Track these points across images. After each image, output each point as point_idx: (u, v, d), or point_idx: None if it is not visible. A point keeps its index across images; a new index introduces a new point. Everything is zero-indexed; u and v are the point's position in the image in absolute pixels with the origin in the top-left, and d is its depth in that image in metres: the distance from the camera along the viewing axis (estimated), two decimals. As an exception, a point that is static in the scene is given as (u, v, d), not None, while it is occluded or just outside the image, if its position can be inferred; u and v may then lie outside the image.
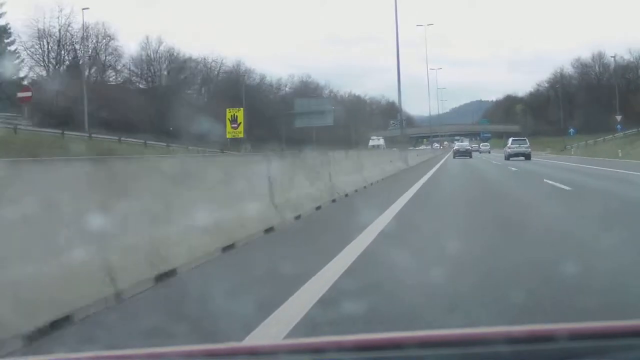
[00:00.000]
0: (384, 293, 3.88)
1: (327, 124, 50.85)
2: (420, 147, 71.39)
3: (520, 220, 7.89)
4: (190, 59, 74.36)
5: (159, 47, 71.18)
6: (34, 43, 62.12)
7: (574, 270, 4.35)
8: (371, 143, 68.03)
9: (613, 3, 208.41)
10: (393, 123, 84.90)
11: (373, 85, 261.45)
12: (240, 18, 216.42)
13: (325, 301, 3.59)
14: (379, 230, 6.57)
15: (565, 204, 10.12)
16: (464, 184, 15.83)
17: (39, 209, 3.30)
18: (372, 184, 14.25)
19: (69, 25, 63.51)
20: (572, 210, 9.09)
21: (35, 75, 62.11)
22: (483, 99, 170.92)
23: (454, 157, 44.51)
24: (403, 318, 3.37)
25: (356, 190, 12.07)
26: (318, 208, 8.70)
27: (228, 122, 39.59)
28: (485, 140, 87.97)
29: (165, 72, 71.70)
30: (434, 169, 23.85)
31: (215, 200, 5.52)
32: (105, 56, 67.72)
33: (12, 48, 58.55)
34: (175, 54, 72.19)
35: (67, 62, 65.06)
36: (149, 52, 71.08)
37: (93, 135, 45.49)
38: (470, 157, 45.08)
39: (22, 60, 60.32)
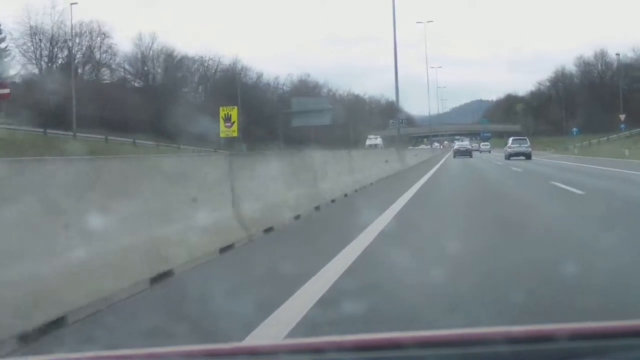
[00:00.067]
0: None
1: (325, 123, 49.73)
2: (420, 147, 70.13)
3: (530, 236, 6.69)
4: (186, 57, 73.24)
5: (152, 44, 69.97)
6: (25, 40, 61.00)
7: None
8: (368, 142, 66.65)
9: (613, 3, 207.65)
10: (392, 122, 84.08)
11: (373, 85, 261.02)
12: (240, 18, 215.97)
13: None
14: (363, 248, 5.40)
15: (578, 210, 8.88)
16: (464, 184, 14.91)
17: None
18: (364, 186, 13.09)
19: (61, 23, 62.27)
20: (591, 220, 7.87)
21: (26, 73, 60.88)
22: (483, 99, 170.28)
23: (454, 157, 45.05)
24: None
25: (345, 195, 10.88)
26: (297, 217, 7.51)
27: (222, 121, 38.46)
28: (486, 139, 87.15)
29: (160, 70, 70.46)
30: (433, 170, 22.64)
31: (149, 212, 4.31)
32: (100, 54, 66.63)
33: (2, 45, 57.44)
34: (170, 52, 71.06)
35: (60, 60, 63.84)
36: (142, 49, 69.90)
37: (78, 134, 44.30)
38: (471, 156, 45.71)
39: (14, 58, 59.18)
